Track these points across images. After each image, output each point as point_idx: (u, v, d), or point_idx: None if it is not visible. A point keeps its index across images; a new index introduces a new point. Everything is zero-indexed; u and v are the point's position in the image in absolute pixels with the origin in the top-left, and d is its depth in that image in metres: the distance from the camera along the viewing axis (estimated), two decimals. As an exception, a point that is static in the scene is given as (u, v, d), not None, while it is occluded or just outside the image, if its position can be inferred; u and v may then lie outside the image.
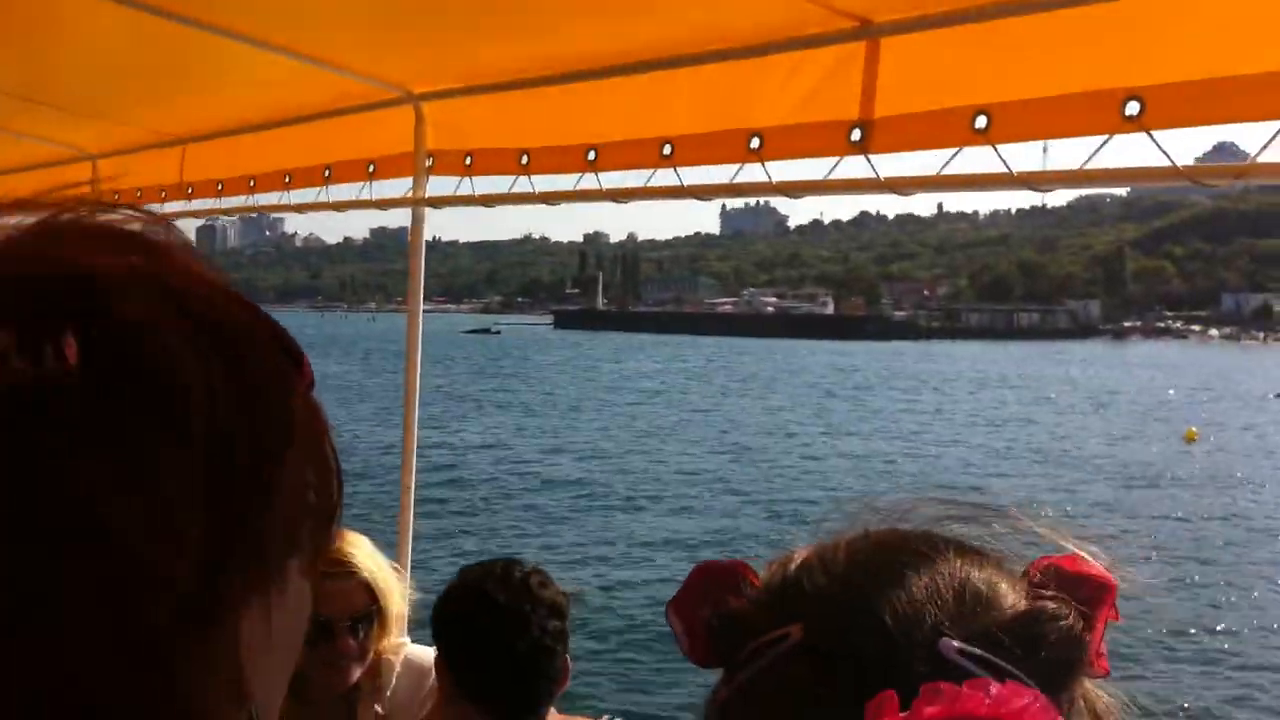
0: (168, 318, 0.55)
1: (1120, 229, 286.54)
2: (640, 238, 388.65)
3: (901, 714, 0.64)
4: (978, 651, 0.69)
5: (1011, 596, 0.73)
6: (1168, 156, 2.15)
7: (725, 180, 2.88)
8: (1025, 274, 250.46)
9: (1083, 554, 0.76)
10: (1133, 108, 2.12)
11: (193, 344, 0.55)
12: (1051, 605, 0.73)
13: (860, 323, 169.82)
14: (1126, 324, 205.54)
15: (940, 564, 0.74)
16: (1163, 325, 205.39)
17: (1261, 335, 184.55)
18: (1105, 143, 2.24)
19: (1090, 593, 0.74)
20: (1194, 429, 38.36)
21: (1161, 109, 2.11)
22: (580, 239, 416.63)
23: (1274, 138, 2.04)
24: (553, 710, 2.40)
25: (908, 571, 0.74)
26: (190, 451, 0.53)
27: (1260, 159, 2.17)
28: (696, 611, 0.78)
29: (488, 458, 28.28)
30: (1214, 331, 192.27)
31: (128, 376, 0.53)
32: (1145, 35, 2.12)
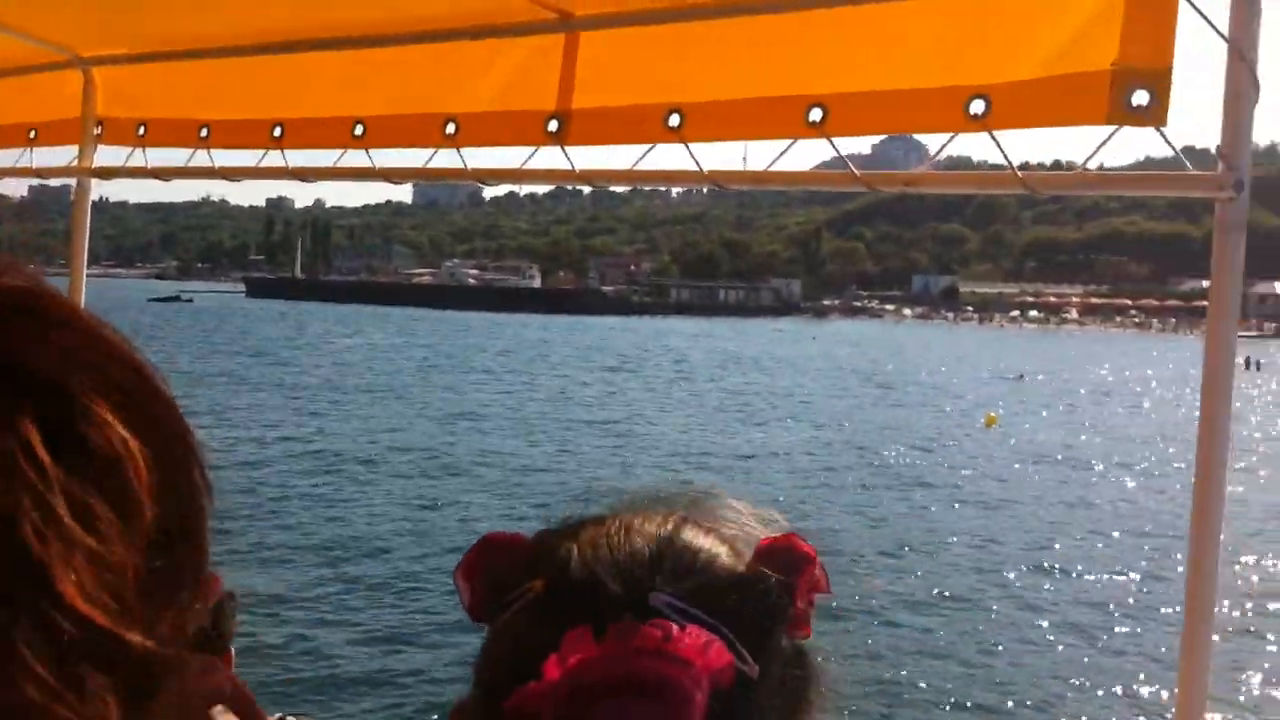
0: (103, 397, 0.57)
1: (810, 211, 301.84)
2: (328, 204, 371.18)
3: (595, 643, 0.76)
4: (682, 604, 0.80)
5: (727, 565, 0.87)
6: (847, 163, 2.25)
7: (419, 164, 2.81)
8: (730, 252, 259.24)
9: (796, 535, 0.90)
10: (816, 114, 2.20)
11: (124, 417, 0.57)
12: (757, 573, 0.86)
13: (570, 297, 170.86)
14: (825, 302, 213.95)
15: (668, 536, 0.88)
16: (859, 304, 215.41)
17: (951, 315, 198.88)
18: (790, 145, 2.33)
19: (795, 565, 0.87)
20: (993, 414, 37.89)
21: (842, 116, 2.20)
22: (263, 203, 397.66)
23: (942, 149, 2.16)
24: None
25: (636, 540, 0.87)
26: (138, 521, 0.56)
27: (933, 166, 2.32)
28: (477, 575, 0.90)
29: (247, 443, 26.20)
30: (908, 311, 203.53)
31: (86, 457, 0.55)
32: (829, 46, 2.20)
